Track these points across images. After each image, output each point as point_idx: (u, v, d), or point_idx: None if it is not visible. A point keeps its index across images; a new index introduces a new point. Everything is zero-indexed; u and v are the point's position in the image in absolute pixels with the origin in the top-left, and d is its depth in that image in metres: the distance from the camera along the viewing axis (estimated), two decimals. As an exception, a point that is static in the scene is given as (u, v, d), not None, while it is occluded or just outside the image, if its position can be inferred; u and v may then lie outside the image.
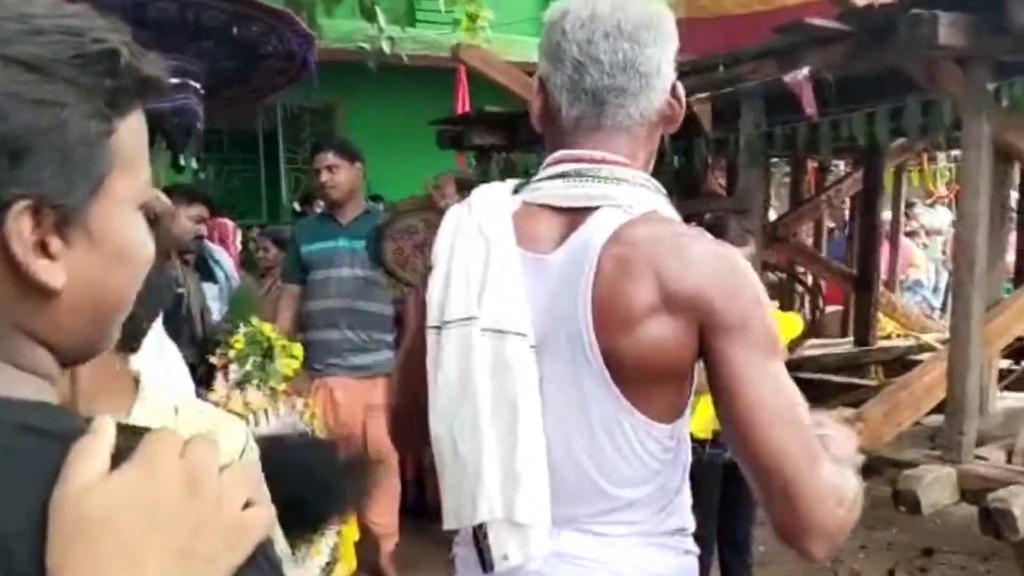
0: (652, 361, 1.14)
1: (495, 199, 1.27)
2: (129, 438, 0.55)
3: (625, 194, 1.19)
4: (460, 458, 1.19)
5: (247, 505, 0.56)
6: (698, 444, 1.34)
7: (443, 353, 1.20)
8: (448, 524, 1.25)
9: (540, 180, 1.25)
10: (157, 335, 2.11)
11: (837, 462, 1.13)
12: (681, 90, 1.26)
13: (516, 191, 1.28)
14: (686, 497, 1.29)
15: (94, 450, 0.53)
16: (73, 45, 0.57)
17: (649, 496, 1.21)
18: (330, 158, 3.80)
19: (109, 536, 0.50)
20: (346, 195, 3.84)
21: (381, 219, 3.76)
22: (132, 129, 0.61)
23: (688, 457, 1.27)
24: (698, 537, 1.31)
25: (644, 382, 1.15)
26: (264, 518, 0.57)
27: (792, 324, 3.23)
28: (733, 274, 1.15)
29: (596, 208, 1.19)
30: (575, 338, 1.15)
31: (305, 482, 1.82)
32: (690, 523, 1.29)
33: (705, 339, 1.13)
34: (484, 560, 1.20)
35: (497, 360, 1.17)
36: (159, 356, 2.05)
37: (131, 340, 1.41)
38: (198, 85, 4.11)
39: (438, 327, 1.21)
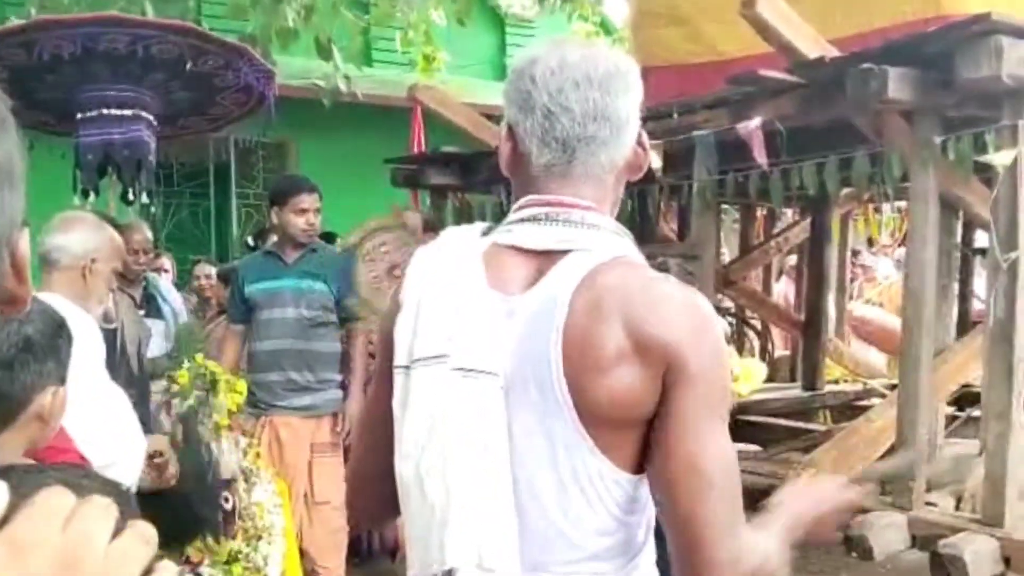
0: (621, 406, 1.13)
1: (465, 240, 1.26)
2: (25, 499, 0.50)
3: (595, 239, 1.19)
4: (428, 501, 1.16)
5: (147, 572, 0.51)
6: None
7: (411, 392, 1.18)
8: (413, 571, 1.22)
9: (510, 223, 1.25)
10: (93, 388, 2.04)
11: (768, 534, 1.21)
12: (646, 138, 1.28)
13: (485, 233, 1.27)
14: (651, 550, 1.27)
15: None
16: None
17: (614, 547, 1.20)
18: (315, 201, 3.77)
19: None
20: (303, 244, 3.82)
21: (350, 240, 3.73)
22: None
23: (652, 511, 1.26)
24: None
25: (613, 428, 1.14)
26: None
27: (755, 372, 3.26)
28: (701, 324, 1.15)
29: (566, 252, 1.19)
30: (544, 381, 1.14)
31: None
32: (654, 573, 1.28)
33: (664, 385, 1.13)
34: None
35: (467, 400, 1.15)
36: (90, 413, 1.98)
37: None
38: (151, 117, 4.06)
39: (407, 366, 1.19)
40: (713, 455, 1.12)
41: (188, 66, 3.86)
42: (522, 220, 1.23)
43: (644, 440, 1.17)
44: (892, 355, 6.61)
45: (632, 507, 1.20)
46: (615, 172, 1.25)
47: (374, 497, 1.32)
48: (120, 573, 0.50)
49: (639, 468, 1.18)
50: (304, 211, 3.74)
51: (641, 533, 1.24)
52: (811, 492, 1.38)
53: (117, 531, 0.51)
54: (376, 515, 1.46)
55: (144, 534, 0.52)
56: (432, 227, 4.48)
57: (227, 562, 3.03)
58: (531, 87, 1.21)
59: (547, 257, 1.20)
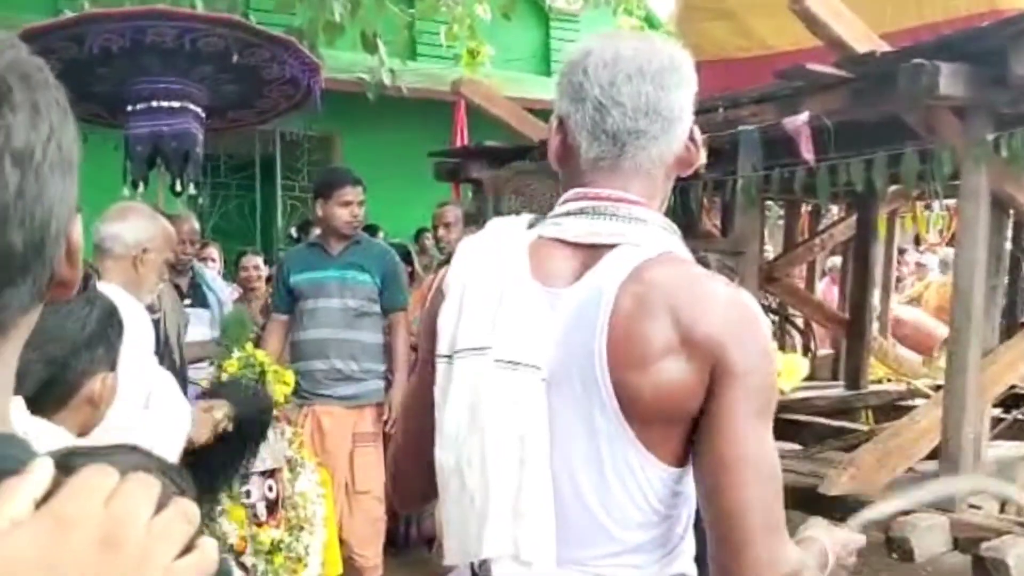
0: (666, 401, 1.13)
1: (511, 231, 1.26)
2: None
3: (643, 234, 1.19)
4: (467, 491, 1.18)
5: (188, 549, 0.51)
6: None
7: (453, 382, 1.19)
8: (450, 560, 1.23)
9: (557, 216, 1.25)
10: (141, 373, 2.08)
11: (803, 549, 1.21)
12: (698, 134, 1.27)
13: (532, 226, 1.28)
14: (690, 543, 1.27)
15: (12, 496, 0.48)
16: None
17: (654, 540, 1.20)
18: (359, 193, 3.82)
19: None
20: (349, 236, 3.86)
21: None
22: None
23: (693, 503, 1.25)
24: None
25: (657, 422, 1.15)
26: (201, 566, 0.52)
27: (797, 368, 3.23)
28: (748, 322, 1.15)
29: (613, 246, 1.19)
30: (588, 374, 1.14)
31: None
32: (691, 570, 1.28)
33: (711, 381, 1.13)
34: None
35: (508, 392, 1.15)
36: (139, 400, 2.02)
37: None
38: (198, 109, 4.12)
39: (449, 356, 1.20)
40: (757, 455, 1.11)
41: (235, 59, 3.91)
42: (569, 213, 1.23)
43: (687, 435, 1.17)
44: (926, 356, 6.52)
45: (674, 501, 1.20)
46: (665, 167, 1.25)
47: (414, 482, 1.34)
48: (161, 549, 0.50)
49: (681, 462, 1.18)
50: (348, 203, 3.79)
51: (681, 527, 1.24)
52: (835, 532, 1.37)
53: (159, 507, 0.51)
54: (415, 500, 1.47)
55: (186, 511, 0.52)
56: (473, 220, 4.50)
57: (269, 552, 3.08)
58: (583, 79, 1.21)
59: (593, 251, 1.20)
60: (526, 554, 1.14)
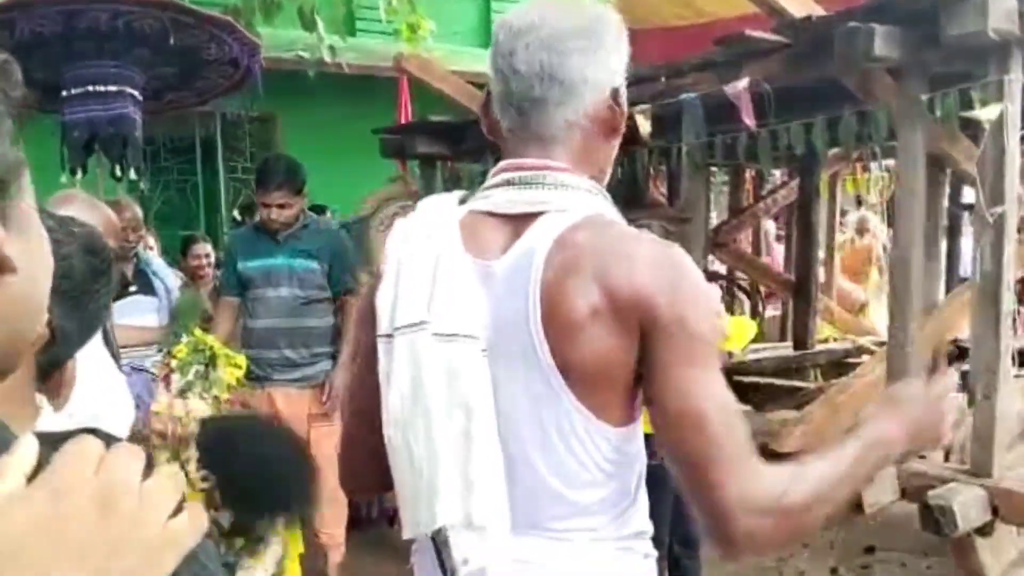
0: (600, 362, 1.15)
1: (442, 208, 1.27)
2: (54, 451, 0.52)
3: (568, 199, 1.20)
4: (415, 465, 1.18)
5: (177, 512, 0.53)
6: (652, 441, 1.37)
7: (394, 360, 1.19)
8: (407, 533, 1.24)
9: (486, 188, 1.26)
10: (99, 362, 2.05)
11: (811, 464, 1.14)
12: (623, 96, 1.26)
13: (463, 201, 1.29)
14: (643, 501, 1.29)
15: (3, 473, 0.50)
16: None
17: (606, 500, 1.22)
18: (279, 197, 3.74)
19: (12, 569, 0.47)
20: (290, 224, 3.81)
21: (363, 212, 3.73)
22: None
23: (643, 460, 1.28)
24: (655, 538, 1.33)
25: (594, 384, 1.16)
26: (193, 525, 0.54)
27: (746, 330, 3.29)
28: (674, 273, 1.15)
29: (540, 214, 1.20)
30: (525, 341, 1.16)
31: (259, 472, 1.74)
32: (648, 527, 1.30)
33: (643, 339, 1.14)
34: (444, 566, 1.19)
35: (449, 365, 1.17)
36: (99, 386, 2.00)
37: (51, 366, 1.36)
38: (136, 92, 4.04)
39: (389, 335, 1.21)
40: (702, 398, 1.11)
41: (171, 40, 3.84)
42: (497, 185, 1.24)
43: (630, 394, 1.19)
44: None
45: (621, 459, 1.22)
46: (581, 132, 1.24)
47: (363, 471, 1.33)
48: (154, 511, 0.52)
49: (625, 421, 1.20)
50: (267, 205, 3.75)
51: (632, 485, 1.26)
52: (902, 397, 1.29)
53: (146, 474, 0.53)
54: (365, 488, 1.46)
55: (173, 476, 0.54)
56: (421, 197, 4.49)
57: (228, 534, 3.06)
58: (495, 50, 1.23)
59: (522, 220, 1.21)
60: (479, 519, 1.15)
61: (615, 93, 1.24)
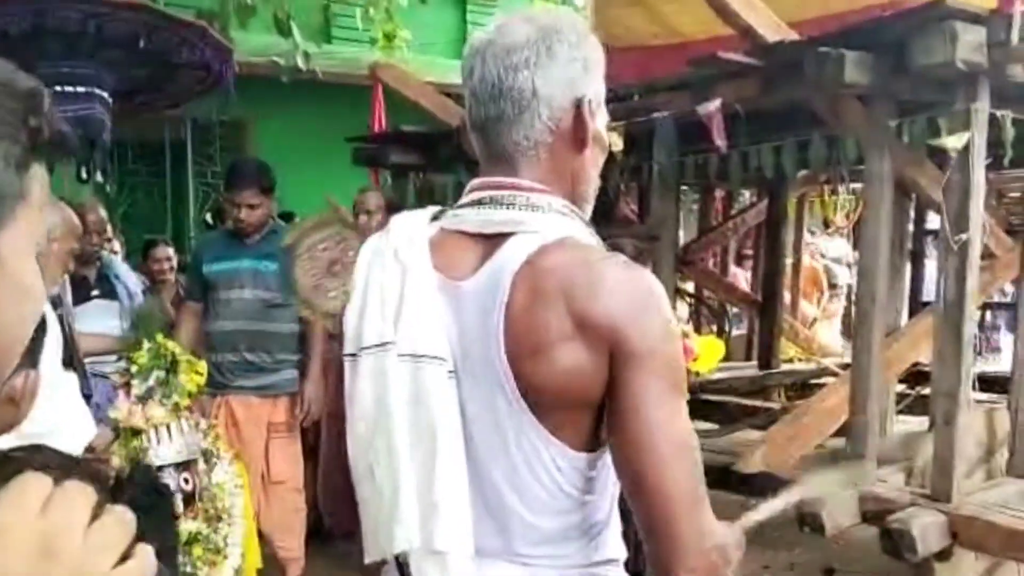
0: (566, 388, 1.12)
1: (412, 225, 1.25)
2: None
3: (539, 220, 1.18)
4: (377, 487, 1.16)
5: (124, 558, 0.51)
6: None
7: (359, 380, 1.17)
8: (368, 557, 1.21)
9: (458, 207, 1.24)
10: (53, 372, 2.01)
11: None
12: (588, 108, 1.20)
13: (435, 218, 1.27)
14: (616, 526, 1.27)
15: None
16: (3, 74, 0.57)
17: (575, 526, 1.20)
18: (249, 196, 3.72)
19: None
20: (259, 227, 3.78)
21: (288, 240, 3.69)
22: (39, 176, 0.60)
23: (616, 486, 1.24)
24: (627, 563, 1.30)
25: (560, 409, 1.14)
26: (141, 572, 0.52)
27: (716, 349, 3.30)
28: (646, 302, 1.13)
29: (511, 234, 1.18)
30: (489, 364, 1.14)
31: None
32: (620, 553, 1.27)
33: (612, 365, 1.11)
34: None
35: (414, 386, 1.14)
36: (51, 398, 1.96)
37: None
38: (105, 94, 3.99)
39: (354, 355, 1.19)
40: (668, 432, 1.10)
41: (142, 44, 3.79)
42: (469, 204, 1.22)
43: (595, 421, 1.16)
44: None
45: (589, 486, 1.19)
46: (545, 148, 1.20)
47: (347, 498, 1.25)
48: (98, 558, 0.50)
49: (591, 447, 1.18)
50: (236, 205, 3.72)
51: (603, 512, 1.23)
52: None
53: (95, 516, 0.50)
54: (351, 517, 1.30)
55: (123, 518, 0.52)
56: (395, 207, 4.46)
57: (187, 543, 3.01)
58: (461, 70, 1.23)
59: (492, 240, 1.18)
60: (440, 545, 1.13)
61: (579, 103, 1.19)
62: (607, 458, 1.21)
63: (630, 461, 1.12)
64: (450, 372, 1.15)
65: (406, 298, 1.17)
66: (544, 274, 1.12)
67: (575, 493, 1.18)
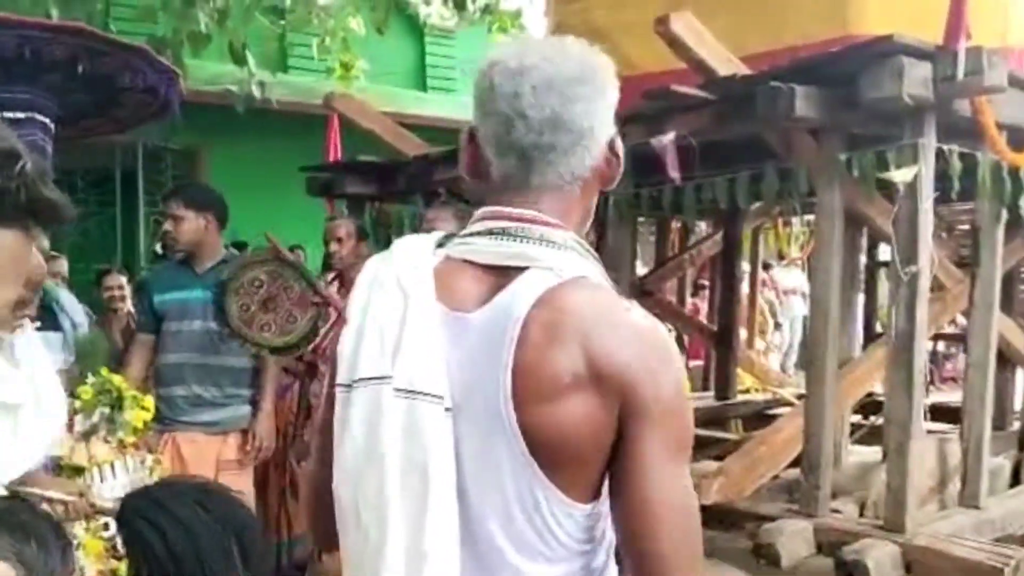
0: (573, 436, 1.07)
1: (416, 252, 1.18)
2: None
3: (555, 257, 1.12)
4: (363, 527, 1.10)
5: None
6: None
7: (351, 413, 1.11)
8: None
9: (467, 235, 1.18)
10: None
11: None
12: (620, 146, 1.19)
13: (440, 245, 1.20)
14: (612, 574, 1.21)
15: None
16: None
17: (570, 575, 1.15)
18: (174, 207, 3.66)
19: None
20: (191, 246, 3.69)
21: (226, 274, 3.62)
22: (7, 243, 0.55)
23: (611, 536, 1.19)
24: None
25: (564, 458, 1.08)
26: None
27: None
28: (663, 357, 1.09)
29: (523, 269, 1.12)
30: (492, 406, 1.07)
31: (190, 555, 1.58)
32: None
33: (621, 418, 1.07)
34: None
35: (409, 423, 1.08)
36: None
37: None
38: (47, 120, 3.90)
39: (348, 385, 1.13)
40: (676, 498, 1.07)
41: (80, 68, 3.72)
42: (479, 233, 1.16)
43: (600, 472, 1.12)
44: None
45: (586, 536, 1.14)
46: (581, 183, 1.17)
47: (332, 517, 1.20)
48: None
49: (592, 498, 1.13)
50: (169, 217, 3.69)
51: (599, 561, 1.17)
52: None
53: None
54: (335, 535, 1.28)
55: None
56: (364, 235, 4.41)
57: (129, 585, 2.91)
58: (489, 90, 1.14)
59: (503, 273, 1.12)
60: None
61: (612, 143, 1.18)
62: (605, 508, 1.16)
63: (630, 522, 1.08)
64: (447, 410, 1.09)
65: (407, 330, 1.10)
66: (559, 314, 1.07)
67: (571, 544, 1.12)
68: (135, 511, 1.65)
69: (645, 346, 1.08)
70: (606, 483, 1.13)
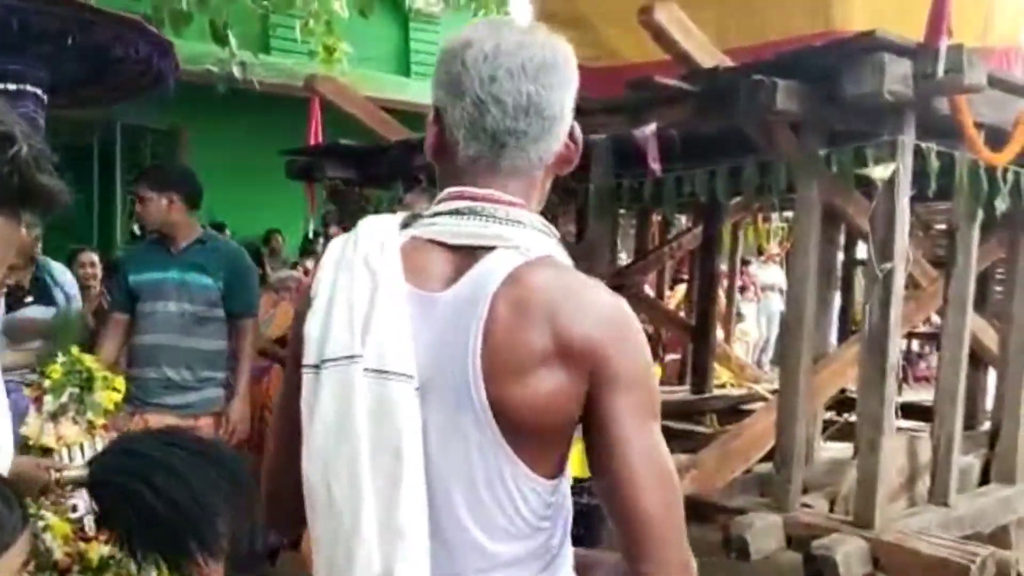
0: (541, 412, 1.09)
1: (382, 231, 1.19)
2: None
3: (521, 236, 1.15)
4: (335, 507, 1.10)
5: None
6: (583, 485, 1.32)
7: (321, 393, 1.11)
8: None
9: (432, 215, 1.19)
10: None
11: None
12: (579, 132, 1.24)
13: (406, 225, 1.21)
14: (568, 553, 1.24)
15: None
16: None
17: (530, 554, 1.16)
18: (141, 189, 3.66)
19: None
20: (160, 226, 3.67)
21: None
22: None
23: (570, 512, 1.23)
24: None
25: (531, 434, 1.11)
26: None
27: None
28: (628, 329, 1.13)
29: (490, 248, 1.14)
30: (461, 384, 1.09)
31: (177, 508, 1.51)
32: None
33: (592, 391, 1.10)
34: None
35: (380, 403, 1.09)
36: None
37: None
38: (39, 91, 3.86)
39: (316, 366, 1.12)
40: (656, 453, 1.11)
41: (71, 39, 3.68)
42: (445, 213, 1.18)
43: (565, 448, 1.15)
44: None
45: (547, 512, 1.17)
46: (544, 168, 1.22)
47: (290, 502, 1.21)
48: None
49: (556, 474, 1.16)
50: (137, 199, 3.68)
51: (556, 538, 1.20)
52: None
53: None
54: (292, 522, 1.30)
55: None
56: (339, 221, 4.39)
57: (98, 569, 2.88)
58: (462, 72, 1.15)
59: (470, 253, 1.15)
60: (401, 573, 1.08)
61: (572, 130, 1.23)
62: (566, 484, 1.20)
63: (615, 489, 1.11)
64: (416, 390, 1.10)
65: (376, 309, 1.11)
66: (528, 291, 1.10)
67: (534, 520, 1.15)
68: (109, 469, 1.61)
69: (611, 321, 1.12)
70: (566, 460, 1.17)
